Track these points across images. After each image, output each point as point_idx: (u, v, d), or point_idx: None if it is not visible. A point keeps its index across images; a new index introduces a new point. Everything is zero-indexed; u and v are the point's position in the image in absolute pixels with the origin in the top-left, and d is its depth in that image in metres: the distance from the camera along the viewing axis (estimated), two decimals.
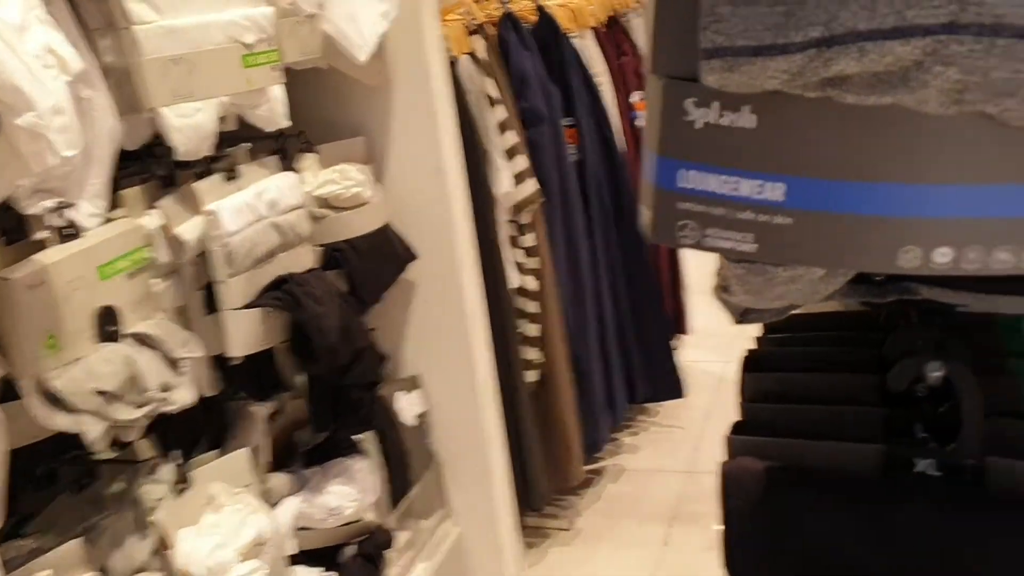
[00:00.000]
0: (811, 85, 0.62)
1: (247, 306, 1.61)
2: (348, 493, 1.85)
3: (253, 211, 1.61)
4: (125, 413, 1.33)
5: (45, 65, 1.09)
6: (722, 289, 0.77)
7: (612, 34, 2.97)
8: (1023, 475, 0.78)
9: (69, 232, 1.30)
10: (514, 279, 2.40)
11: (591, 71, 2.73)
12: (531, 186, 2.39)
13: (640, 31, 3.07)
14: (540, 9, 2.62)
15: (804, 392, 0.95)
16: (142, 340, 1.40)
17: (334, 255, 1.82)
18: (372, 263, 1.89)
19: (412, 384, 2.16)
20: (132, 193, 1.49)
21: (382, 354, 1.91)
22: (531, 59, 2.49)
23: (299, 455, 1.88)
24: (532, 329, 2.45)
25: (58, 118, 1.08)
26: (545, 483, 2.50)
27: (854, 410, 0.89)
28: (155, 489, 1.55)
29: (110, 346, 1.34)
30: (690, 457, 2.92)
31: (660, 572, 2.44)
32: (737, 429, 0.90)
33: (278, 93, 1.63)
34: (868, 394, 0.92)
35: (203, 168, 1.60)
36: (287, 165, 1.78)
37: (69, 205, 1.27)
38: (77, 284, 1.28)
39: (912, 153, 0.63)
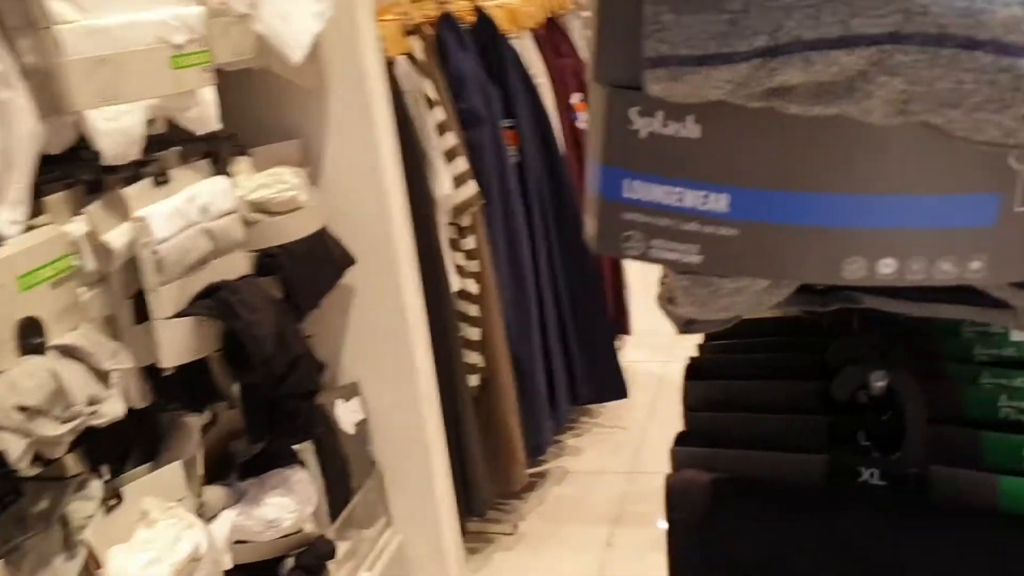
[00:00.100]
0: (755, 95, 0.61)
1: (179, 315, 1.56)
2: (286, 504, 1.81)
3: (184, 217, 1.56)
4: (50, 429, 1.27)
5: None
6: (667, 300, 0.76)
7: (550, 35, 2.96)
8: (965, 483, 0.78)
9: None
10: (455, 283, 2.38)
11: (530, 72, 2.73)
12: (471, 188, 2.38)
13: (578, 32, 3.07)
14: (478, 10, 2.60)
15: (748, 400, 0.94)
16: (68, 352, 1.34)
17: (269, 261, 1.78)
18: (308, 268, 1.86)
19: (351, 391, 2.12)
20: (56, 199, 1.43)
21: (320, 362, 1.87)
22: (469, 60, 2.48)
23: (235, 467, 1.84)
24: (473, 333, 2.43)
25: None
26: (488, 488, 2.48)
27: (798, 418, 0.89)
28: (84, 506, 1.49)
29: (33, 359, 1.28)
30: (633, 458, 2.93)
31: (604, 574, 2.44)
32: (681, 440, 0.89)
33: (209, 95, 1.59)
34: (811, 401, 0.92)
35: (131, 173, 1.55)
36: (219, 169, 1.73)
37: None
38: None
39: (856, 163, 0.62)
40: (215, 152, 1.73)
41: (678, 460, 0.87)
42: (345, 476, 2.04)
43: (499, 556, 2.57)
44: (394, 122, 2.08)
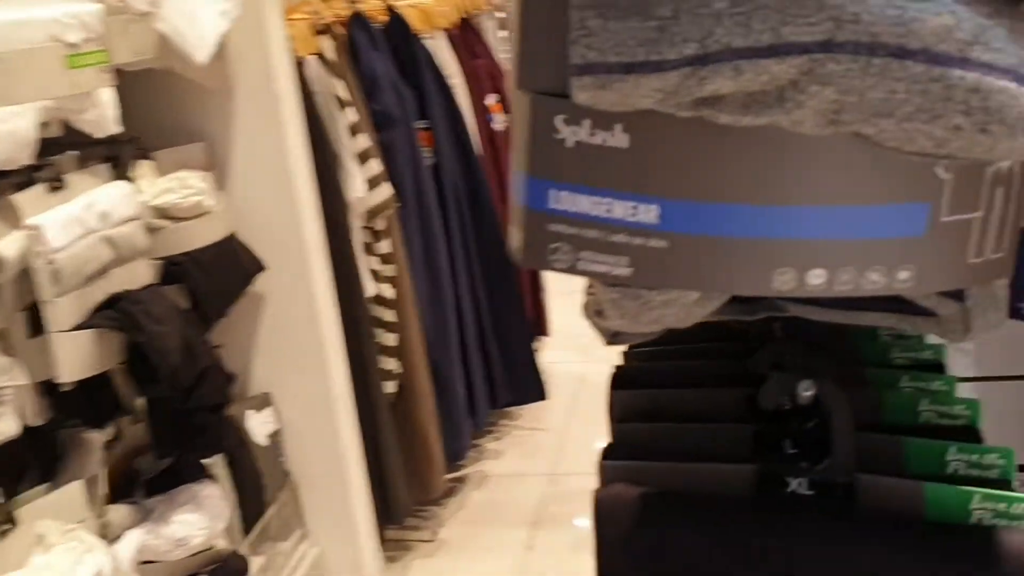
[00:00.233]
0: (685, 104, 0.59)
1: (78, 327, 1.50)
2: (196, 521, 1.75)
3: (82, 224, 1.49)
4: None
5: None
6: (595, 313, 0.74)
7: (464, 35, 2.94)
8: (892, 492, 0.78)
9: None
10: (369, 288, 2.34)
11: (444, 72, 2.69)
12: (385, 191, 2.34)
13: (493, 33, 3.05)
14: (390, 9, 2.56)
15: (674, 409, 0.93)
16: None
17: (174, 269, 1.73)
18: (215, 276, 1.80)
19: (263, 402, 2.07)
20: None
21: (229, 373, 1.82)
22: (382, 60, 2.43)
23: (141, 484, 1.77)
24: (389, 339, 2.39)
25: None
26: (406, 495, 2.45)
27: (724, 428, 0.88)
28: None
29: None
30: (553, 459, 2.93)
31: None
32: (608, 453, 0.88)
33: (108, 96, 1.53)
34: (737, 409, 0.91)
35: (24, 178, 1.47)
36: (120, 173, 1.67)
37: None
38: None
39: (787, 174, 0.61)
40: (115, 156, 1.67)
41: (606, 475, 0.85)
42: (258, 489, 1.99)
43: (419, 563, 2.53)
44: (304, 124, 2.05)
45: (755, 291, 0.65)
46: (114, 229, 1.55)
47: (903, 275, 0.64)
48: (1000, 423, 0.98)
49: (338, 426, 2.14)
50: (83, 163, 1.60)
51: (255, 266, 1.94)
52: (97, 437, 1.70)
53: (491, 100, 2.94)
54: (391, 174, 2.37)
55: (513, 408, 3.08)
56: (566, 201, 0.64)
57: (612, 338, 0.82)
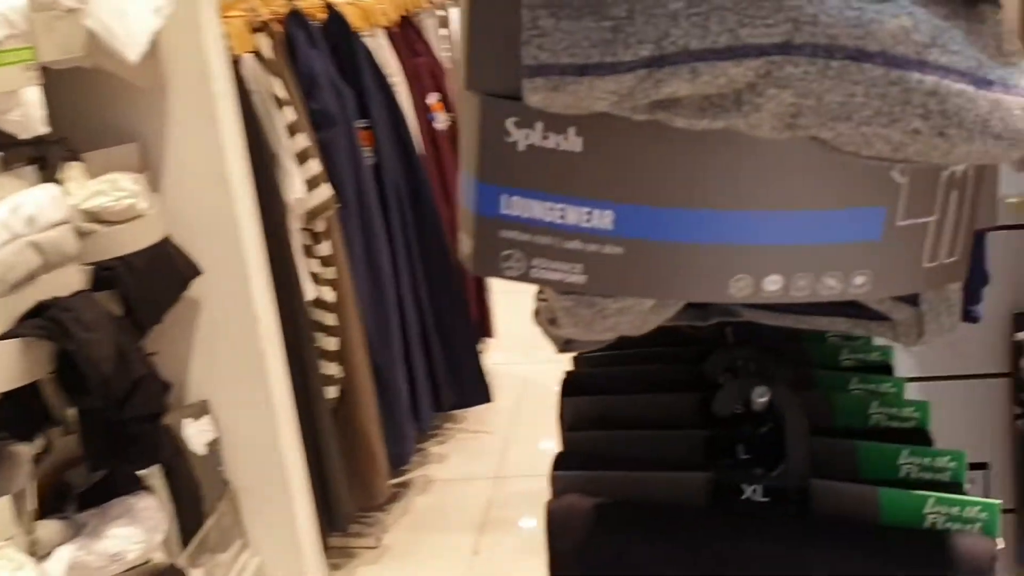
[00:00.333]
0: (640, 107, 0.57)
1: (4, 336, 1.44)
2: (132, 535, 1.69)
3: (7, 229, 1.43)
4: None
5: None
6: (548, 322, 0.72)
7: (405, 33, 2.90)
8: (846, 497, 0.78)
9: None
10: (310, 291, 2.30)
11: (385, 71, 2.66)
12: (325, 191, 2.30)
13: (434, 31, 3.03)
14: (329, 7, 2.52)
15: (626, 415, 0.92)
16: None
17: (105, 274, 1.67)
18: (150, 281, 1.75)
19: (200, 410, 2.02)
20: None
21: (165, 381, 1.76)
22: (321, 58, 2.39)
23: (72, 498, 1.70)
24: (331, 343, 2.35)
25: None
26: (349, 501, 2.41)
27: (677, 434, 0.87)
28: None
29: None
30: (498, 462, 2.91)
31: None
32: (559, 462, 0.86)
33: (34, 95, 1.48)
34: (690, 414, 0.90)
35: None
36: (48, 176, 1.61)
37: None
38: None
39: (743, 179, 0.60)
40: (42, 157, 1.61)
41: (558, 486, 0.83)
42: (196, 499, 1.94)
43: (363, 571, 2.50)
44: (241, 123, 2.00)
45: (712, 298, 0.64)
46: (41, 234, 1.49)
47: (859, 280, 0.63)
48: (944, 422, 0.99)
49: (279, 433, 2.09)
50: (7, 165, 1.54)
51: (191, 270, 1.89)
52: (25, 450, 1.63)
53: (433, 99, 2.91)
54: (331, 174, 2.33)
55: (458, 411, 3.06)
56: (518, 207, 0.62)
57: (564, 346, 0.80)
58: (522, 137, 0.60)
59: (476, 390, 2.88)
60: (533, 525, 2.45)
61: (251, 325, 2.02)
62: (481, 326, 3.18)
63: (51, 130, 1.56)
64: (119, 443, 1.68)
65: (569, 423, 0.93)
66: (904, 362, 1.17)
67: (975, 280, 0.77)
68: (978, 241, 0.75)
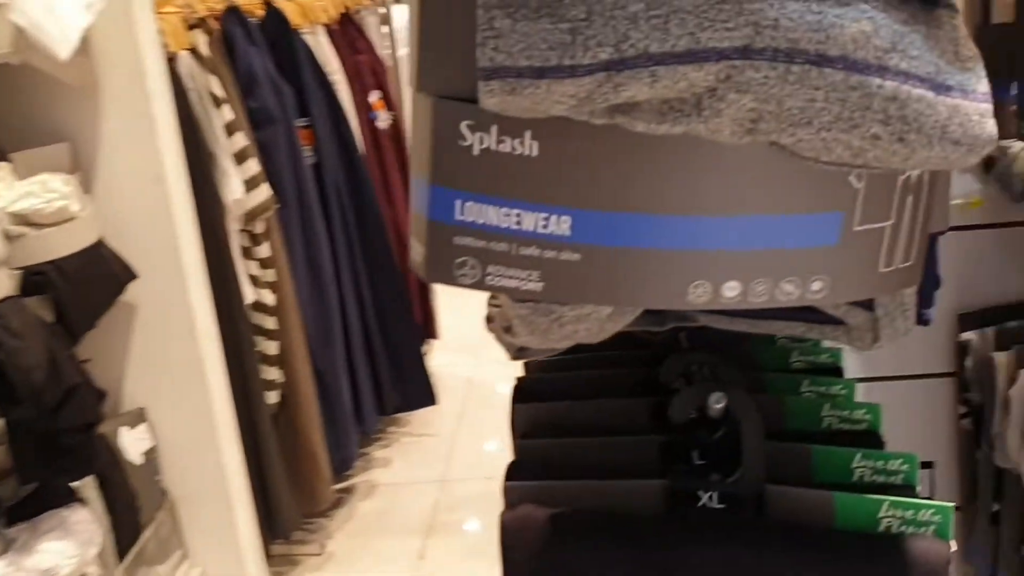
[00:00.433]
0: (599, 112, 0.56)
1: None
2: (64, 549, 1.64)
3: None
4: None
5: None
6: (503, 329, 0.70)
7: (345, 31, 2.86)
8: (802, 502, 0.77)
9: None
10: (249, 294, 2.25)
11: (325, 69, 2.62)
12: (264, 192, 2.25)
13: (375, 28, 2.99)
14: (267, 3, 2.47)
15: (579, 421, 0.90)
16: None
17: (36, 279, 1.62)
18: (82, 286, 1.70)
19: (137, 418, 1.96)
20: None
21: (99, 389, 1.71)
22: (259, 55, 2.34)
23: (1, 512, 1.64)
24: (271, 347, 2.31)
25: None
26: (292, 508, 2.37)
27: (632, 440, 0.86)
28: None
29: None
30: (443, 466, 2.88)
31: None
32: (512, 472, 0.84)
33: None
34: (644, 420, 0.89)
35: None
36: None
37: None
38: None
39: (702, 184, 0.59)
40: None
41: (511, 496, 0.81)
42: (133, 510, 1.89)
43: None
44: (177, 123, 1.96)
45: (670, 305, 0.62)
46: None
47: (816, 285, 0.63)
48: (890, 422, 0.99)
49: (218, 440, 2.05)
50: None
51: (126, 274, 1.84)
52: None
53: (374, 97, 2.87)
54: (270, 174, 2.29)
55: (402, 414, 3.03)
56: (472, 212, 0.60)
57: (518, 353, 0.79)
58: (477, 141, 0.59)
59: (420, 392, 2.85)
60: (479, 528, 2.43)
61: (189, 330, 1.97)
62: (425, 327, 3.15)
63: None
64: (51, 454, 1.63)
65: (521, 431, 0.92)
66: (850, 362, 1.18)
67: (928, 284, 0.77)
68: (930, 245, 0.75)
